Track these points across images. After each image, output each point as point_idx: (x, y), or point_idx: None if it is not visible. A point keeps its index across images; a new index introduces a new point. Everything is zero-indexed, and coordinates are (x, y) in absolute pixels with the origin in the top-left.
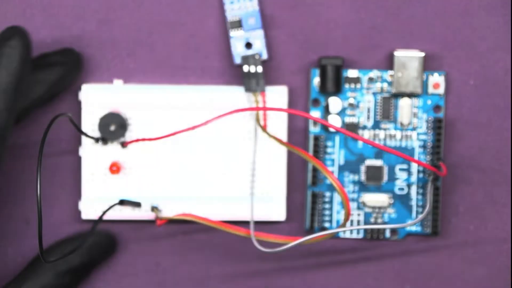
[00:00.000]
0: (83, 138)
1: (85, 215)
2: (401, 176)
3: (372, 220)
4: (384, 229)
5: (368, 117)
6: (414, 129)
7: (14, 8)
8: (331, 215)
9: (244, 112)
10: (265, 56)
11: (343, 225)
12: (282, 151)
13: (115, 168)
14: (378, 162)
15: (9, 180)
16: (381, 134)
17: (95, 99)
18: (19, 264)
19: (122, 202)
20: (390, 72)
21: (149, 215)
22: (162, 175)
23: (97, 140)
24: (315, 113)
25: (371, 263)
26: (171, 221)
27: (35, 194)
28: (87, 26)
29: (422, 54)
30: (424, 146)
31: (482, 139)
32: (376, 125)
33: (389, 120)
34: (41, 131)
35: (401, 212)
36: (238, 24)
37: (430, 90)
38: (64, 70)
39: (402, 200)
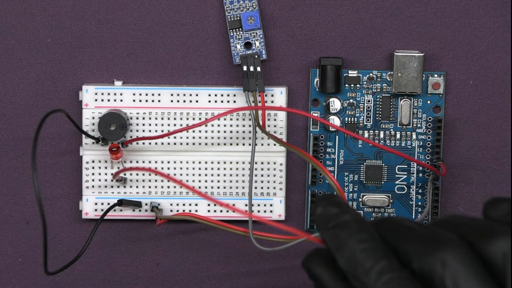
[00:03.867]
0: (84, 138)
1: (85, 215)
2: (401, 176)
3: (372, 219)
4: None
5: (368, 117)
6: (413, 129)
7: (14, 8)
8: None
9: (243, 111)
10: (264, 56)
11: None
12: (282, 151)
13: (115, 149)
14: (378, 162)
15: (9, 180)
16: (381, 134)
17: (95, 99)
18: (19, 264)
19: (122, 202)
20: (390, 72)
21: (149, 215)
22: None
23: (97, 140)
24: (315, 113)
25: None
26: (171, 221)
27: (35, 194)
28: (87, 26)
29: (422, 54)
30: (423, 146)
31: (482, 139)
32: (376, 125)
33: (388, 120)
34: (43, 131)
35: (401, 212)
36: (238, 24)
37: (430, 90)
38: None
39: (401, 200)
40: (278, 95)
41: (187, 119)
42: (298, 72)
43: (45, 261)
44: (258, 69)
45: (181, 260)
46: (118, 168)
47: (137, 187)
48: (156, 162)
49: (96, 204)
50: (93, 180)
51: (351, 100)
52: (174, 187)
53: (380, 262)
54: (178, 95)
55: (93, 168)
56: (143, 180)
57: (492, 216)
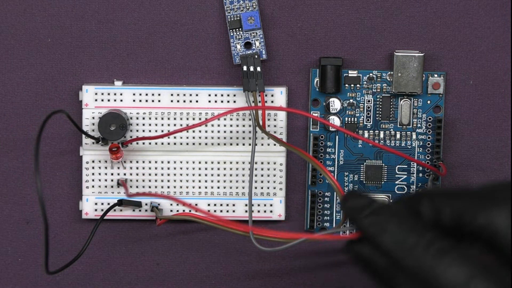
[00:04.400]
0: (84, 137)
1: (85, 215)
2: (401, 176)
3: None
4: None
5: (368, 117)
6: (413, 129)
7: (14, 8)
8: (330, 215)
9: (243, 111)
10: (264, 56)
11: (341, 225)
12: (282, 151)
13: (115, 149)
14: (378, 162)
15: (9, 180)
16: (381, 134)
17: (95, 99)
18: (19, 264)
19: (122, 202)
20: (390, 72)
21: (149, 215)
22: (162, 175)
23: (97, 140)
24: (315, 113)
25: None
26: (171, 221)
27: (35, 194)
28: (87, 26)
29: (422, 54)
30: (423, 146)
31: (482, 139)
32: (376, 125)
33: (388, 120)
34: (43, 131)
35: None
36: (238, 24)
37: (430, 90)
38: None
39: None
40: (278, 95)
41: (187, 119)
42: (298, 72)
43: (46, 260)
44: (258, 69)
45: (181, 260)
46: (118, 168)
47: (137, 187)
48: (156, 162)
49: (96, 204)
50: (93, 180)
51: (351, 100)
52: (174, 187)
53: (424, 236)
54: (178, 95)
55: (93, 168)
56: (143, 180)
57: None
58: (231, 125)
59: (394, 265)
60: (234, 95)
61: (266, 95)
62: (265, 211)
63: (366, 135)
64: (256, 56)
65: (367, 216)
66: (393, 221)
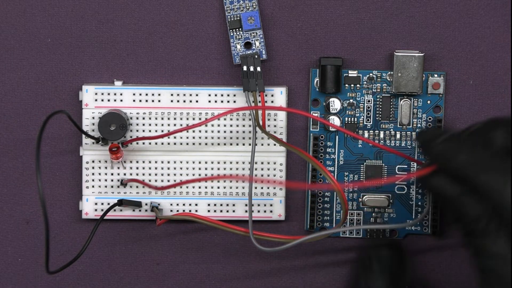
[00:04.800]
0: (84, 137)
1: (85, 215)
2: (401, 176)
3: (372, 220)
4: (384, 229)
5: (368, 117)
6: (413, 129)
7: (14, 8)
8: (330, 215)
9: (243, 111)
10: (264, 56)
11: (341, 224)
12: (282, 151)
13: (115, 149)
14: (377, 162)
15: (9, 180)
16: (381, 134)
17: (95, 99)
18: (19, 264)
19: (122, 202)
20: (390, 72)
21: (149, 215)
22: (162, 175)
23: (97, 140)
24: (315, 113)
25: None
26: (171, 221)
27: (35, 194)
28: (87, 26)
29: (422, 54)
30: None
31: None
32: (376, 125)
33: (388, 120)
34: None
35: (401, 212)
36: (238, 24)
37: (430, 90)
38: None
39: (401, 200)
40: (278, 95)
41: (187, 119)
42: (298, 72)
43: (46, 260)
44: (258, 69)
45: (181, 260)
46: (118, 168)
47: (137, 187)
48: (156, 162)
49: (96, 204)
50: (93, 180)
51: (351, 100)
52: (174, 187)
53: (496, 156)
54: (178, 95)
55: (93, 168)
56: (143, 180)
57: None
58: (231, 125)
59: (464, 193)
60: (234, 95)
61: (266, 95)
62: (265, 211)
63: (366, 135)
64: (256, 56)
65: (442, 142)
66: (466, 144)
